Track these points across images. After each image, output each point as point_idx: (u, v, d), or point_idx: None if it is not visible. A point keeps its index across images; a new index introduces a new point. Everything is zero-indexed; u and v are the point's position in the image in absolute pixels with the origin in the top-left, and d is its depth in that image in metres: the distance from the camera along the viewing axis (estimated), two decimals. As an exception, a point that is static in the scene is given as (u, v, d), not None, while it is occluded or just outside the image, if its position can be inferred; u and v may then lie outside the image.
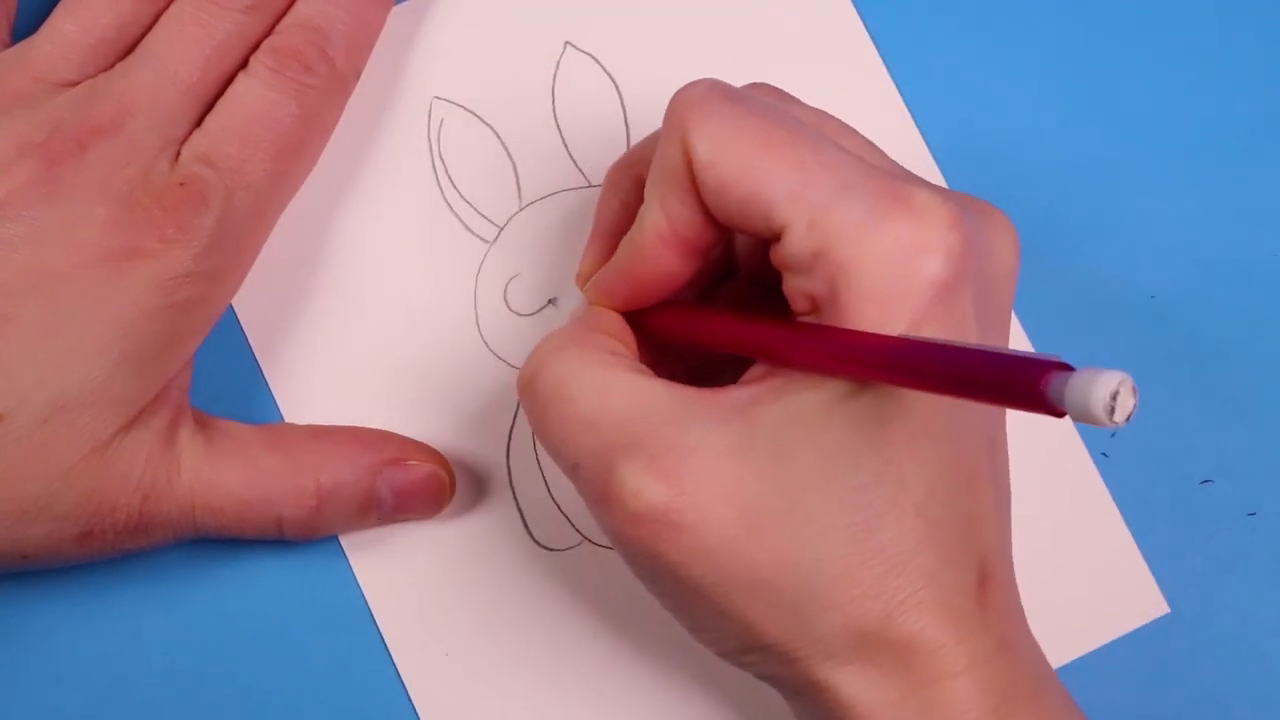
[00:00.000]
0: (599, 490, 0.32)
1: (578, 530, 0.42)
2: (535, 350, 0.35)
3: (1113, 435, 0.42)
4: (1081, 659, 0.41)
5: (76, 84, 0.38)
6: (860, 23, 0.43)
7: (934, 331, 0.30)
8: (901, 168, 0.35)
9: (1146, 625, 0.42)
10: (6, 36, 0.40)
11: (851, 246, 0.30)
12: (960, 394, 0.28)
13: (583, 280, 0.38)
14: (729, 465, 0.31)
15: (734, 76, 0.43)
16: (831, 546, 0.31)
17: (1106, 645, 0.41)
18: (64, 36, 0.38)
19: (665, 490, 0.31)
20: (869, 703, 0.32)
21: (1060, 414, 0.25)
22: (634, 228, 0.35)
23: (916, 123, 0.43)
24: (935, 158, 0.43)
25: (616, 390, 0.33)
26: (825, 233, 0.31)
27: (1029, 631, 0.34)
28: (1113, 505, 0.42)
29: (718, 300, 0.38)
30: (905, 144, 0.43)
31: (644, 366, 0.34)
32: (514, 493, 0.42)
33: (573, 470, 0.33)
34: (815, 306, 0.32)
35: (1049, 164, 0.43)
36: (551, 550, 0.41)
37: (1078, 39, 0.44)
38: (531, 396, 0.34)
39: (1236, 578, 0.42)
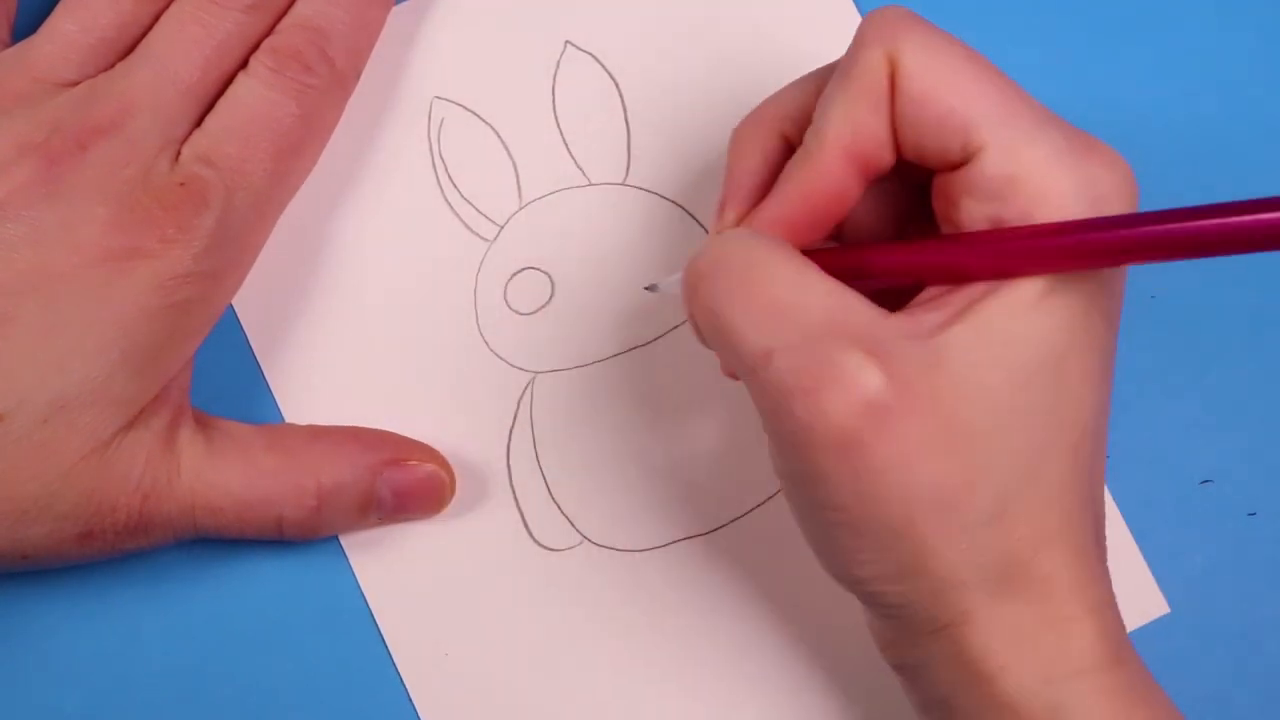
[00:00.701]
0: (810, 378, 0.31)
1: (578, 530, 0.42)
2: (708, 244, 0.34)
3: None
4: (1081, 659, 0.41)
5: (76, 84, 0.38)
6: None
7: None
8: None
9: (1146, 625, 0.42)
10: (6, 36, 0.40)
11: (1050, 178, 0.32)
12: (1199, 251, 0.30)
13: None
14: (923, 383, 0.31)
15: (734, 76, 0.43)
16: (1008, 473, 0.32)
17: (1106, 645, 0.41)
18: (64, 36, 0.38)
19: (888, 384, 0.31)
20: (1005, 633, 0.32)
21: None
22: (807, 145, 0.34)
23: (917, 123, 0.43)
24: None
25: (815, 283, 0.32)
26: (1025, 161, 0.32)
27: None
28: (1113, 505, 0.42)
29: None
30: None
31: None
32: (514, 493, 0.42)
33: (764, 358, 0.32)
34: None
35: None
36: (551, 550, 0.41)
37: (1078, 39, 0.44)
38: (715, 279, 0.33)
39: (1236, 578, 0.42)
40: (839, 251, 0.35)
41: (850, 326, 0.31)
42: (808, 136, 0.34)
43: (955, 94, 0.32)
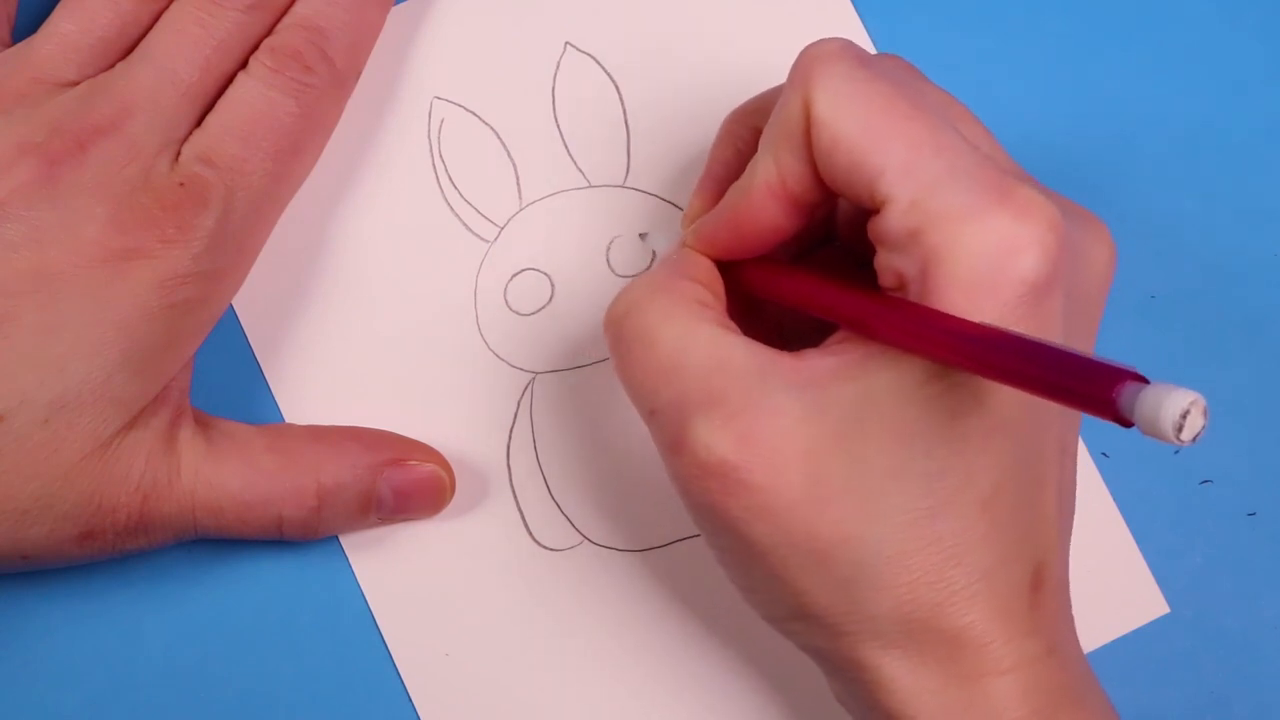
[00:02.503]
0: (672, 439, 0.32)
1: (578, 530, 0.42)
2: (625, 290, 0.35)
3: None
4: (1081, 659, 0.41)
5: (76, 84, 0.38)
6: (860, 22, 0.43)
7: (1019, 329, 0.30)
8: (1013, 163, 0.35)
9: (1146, 625, 0.42)
10: (6, 36, 0.40)
11: (949, 232, 0.31)
12: (1033, 390, 0.28)
13: (688, 222, 0.38)
14: (803, 431, 0.31)
15: (734, 76, 0.43)
16: (892, 528, 0.31)
17: (1106, 645, 0.41)
18: (64, 36, 0.38)
19: (738, 448, 0.31)
20: (908, 688, 0.32)
21: (1128, 424, 0.26)
22: (744, 176, 0.34)
23: (916, 123, 0.43)
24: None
25: (699, 342, 0.33)
26: (925, 214, 0.31)
27: (1076, 639, 0.34)
28: (1113, 505, 0.42)
29: (811, 263, 0.38)
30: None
31: (729, 321, 0.34)
32: (514, 493, 0.42)
33: (649, 415, 0.34)
34: (903, 285, 0.32)
35: (1049, 163, 0.43)
36: (551, 550, 0.41)
37: (1078, 39, 0.44)
38: (616, 336, 0.34)
39: (1236, 578, 0.42)
40: (772, 270, 0.36)
41: (720, 390, 0.32)
42: (746, 171, 0.34)
43: (862, 144, 0.31)
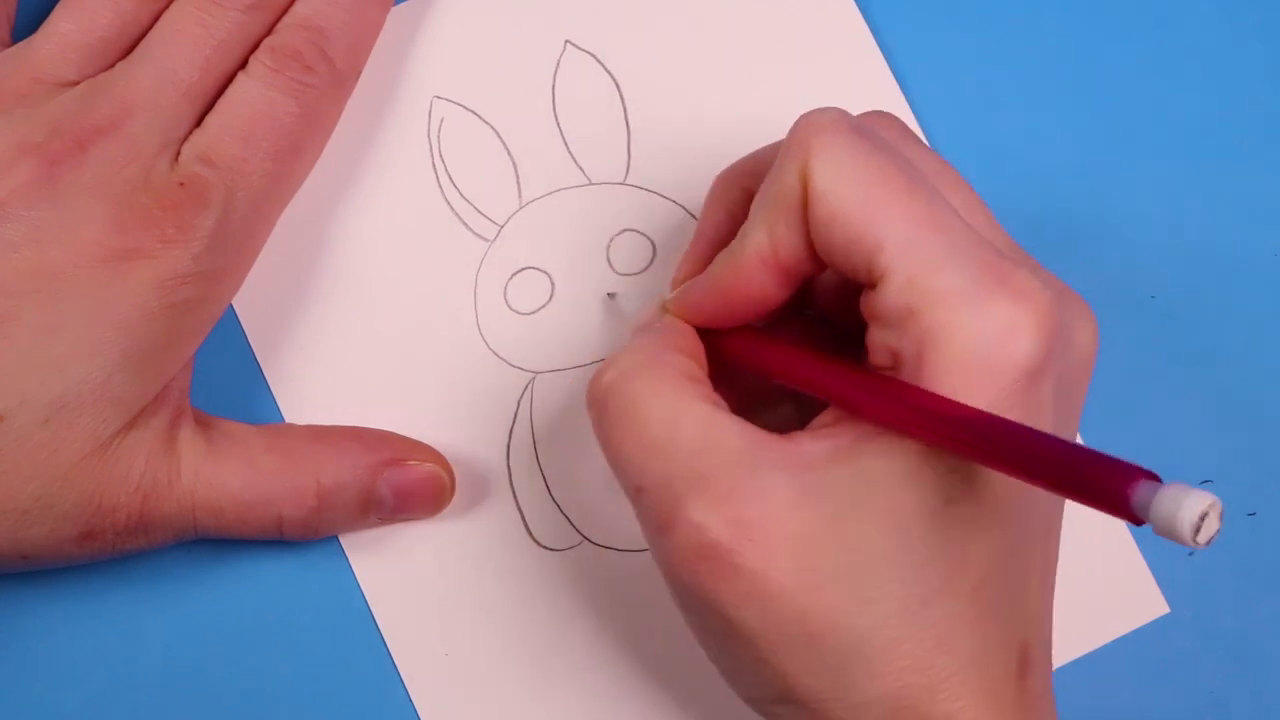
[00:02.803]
0: (661, 519, 0.32)
1: (578, 530, 0.42)
2: (610, 362, 0.34)
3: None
4: (1081, 659, 0.41)
5: (76, 84, 0.37)
6: (863, 20, 0.43)
7: (1013, 415, 0.30)
8: (1005, 236, 0.34)
9: (1146, 625, 0.42)
10: (6, 36, 0.40)
11: (947, 313, 0.30)
12: (1041, 483, 0.28)
13: (675, 285, 0.37)
14: (795, 516, 0.31)
15: (734, 76, 0.43)
16: (884, 615, 0.31)
17: (1106, 645, 0.42)
18: (63, 36, 0.38)
19: (730, 531, 0.31)
20: None
21: (1140, 522, 0.26)
22: (734, 244, 0.34)
23: (920, 124, 0.43)
24: (936, 158, 0.43)
25: (689, 421, 0.32)
26: (924, 293, 0.30)
27: (1055, 715, 0.34)
28: (1113, 505, 0.42)
29: (786, 330, 0.37)
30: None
31: (718, 397, 0.33)
32: (514, 493, 0.42)
33: (635, 493, 0.33)
34: (897, 364, 0.31)
35: (1049, 163, 0.43)
36: (551, 550, 0.41)
37: (1079, 39, 0.44)
38: (601, 412, 0.34)
39: (1236, 578, 0.42)
40: (757, 341, 0.35)
41: (711, 471, 0.31)
42: (736, 238, 0.34)
43: (862, 218, 0.31)
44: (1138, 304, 0.43)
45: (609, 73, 0.43)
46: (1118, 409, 0.42)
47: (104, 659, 0.40)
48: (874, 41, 0.43)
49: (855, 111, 0.35)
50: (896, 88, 0.43)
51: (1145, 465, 0.25)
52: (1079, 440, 0.35)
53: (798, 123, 0.33)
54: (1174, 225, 0.43)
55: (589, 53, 0.43)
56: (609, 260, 0.42)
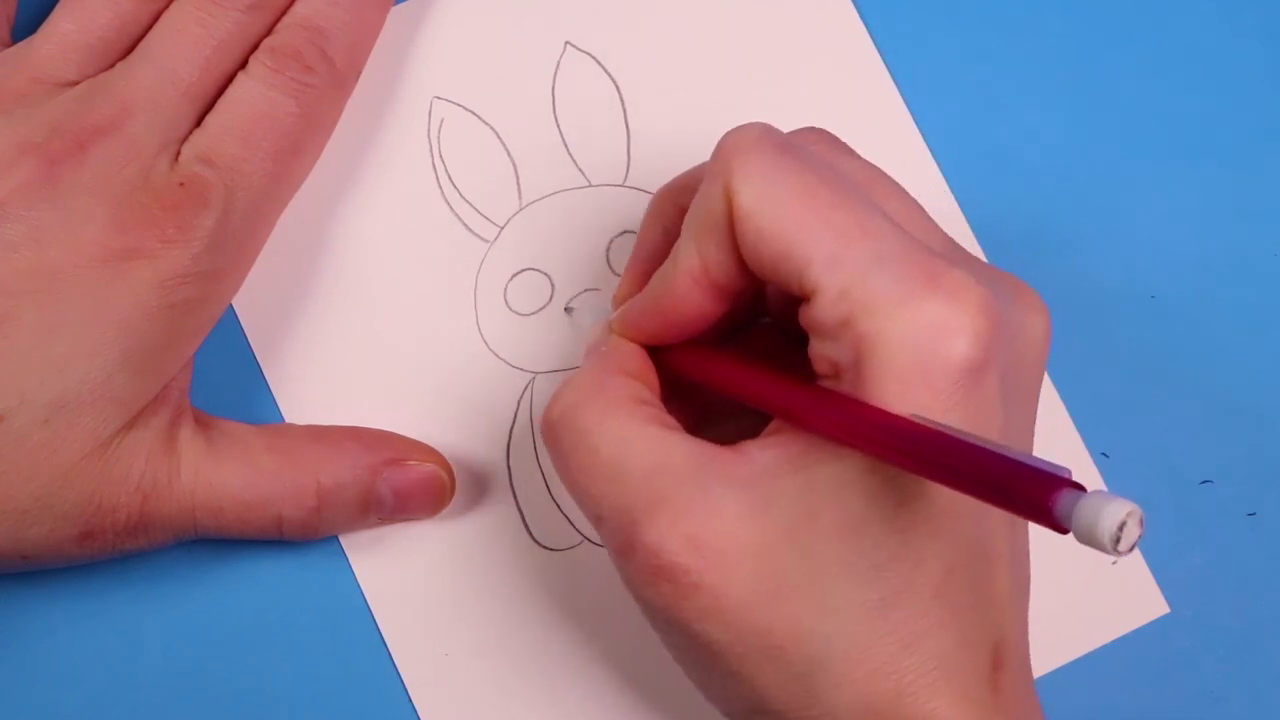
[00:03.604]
0: (621, 544, 0.32)
1: (578, 530, 0.42)
2: (558, 393, 0.34)
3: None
4: (1081, 659, 0.41)
5: (76, 84, 0.37)
6: (861, 24, 0.43)
7: (957, 415, 0.30)
8: (943, 237, 0.34)
9: (1146, 625, 0.42)
10: (6, 36, 0.40)
11: (879, 320, 0.30)
12: (966, 490, 0.28)
13: (618, 303, 0.38)
14: (749, 529, 0.31)
15: (734, 79, 0.43)
16: (845, 621, 0.31)
17: (1106, 645, 0.42)
18: (63, 36, 0.38)
19: (686, 550, 0.31)
20: None
21: (1064, 531, 0.25)
22: (667, 263, 0.34)
23: (918, 124, 0.43)
24: (936, 159, 0.43)
25: (638, 445, 0.32)
26: (854, 303, 0.30)
27: (1041, 713, 0.34)
28: (1113, 505, 0.42)
29: (745, 342, 0.38)
30: (907, 146, 0.43)
31: (668, 417, 0.34)
32: (514, 493, 0.42)
33: (596, 522, 0.33)
34: (837, 373, 0.31)
35: (1049, 163, 0.43)
36: (551, 550, 0.41)
37: (1079, 39, 0.44)
38: (554, 443, 0.34)
39: (1236, 578, 0.42)
40: (703, 356, 0.35)
41: (664, 492, 0.32)
42: (669, 257, 0.34)
43: (787, 235, 0.31)
44: (1138, 304, 0.43)
45: (609, 74, 0.43)
46: (1118, 409, 0.42)
47: (104, 659, 0.40)
48: (872, 43, 0.43)
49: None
50: (895, 91, 0.43)
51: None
52: (1034, 437, 0.35)
53: (721, 141, 0.33)
54: (1174, 225, 0.43)
55: (589, 54, 0.43)
56: (609, 262, 0.42)
